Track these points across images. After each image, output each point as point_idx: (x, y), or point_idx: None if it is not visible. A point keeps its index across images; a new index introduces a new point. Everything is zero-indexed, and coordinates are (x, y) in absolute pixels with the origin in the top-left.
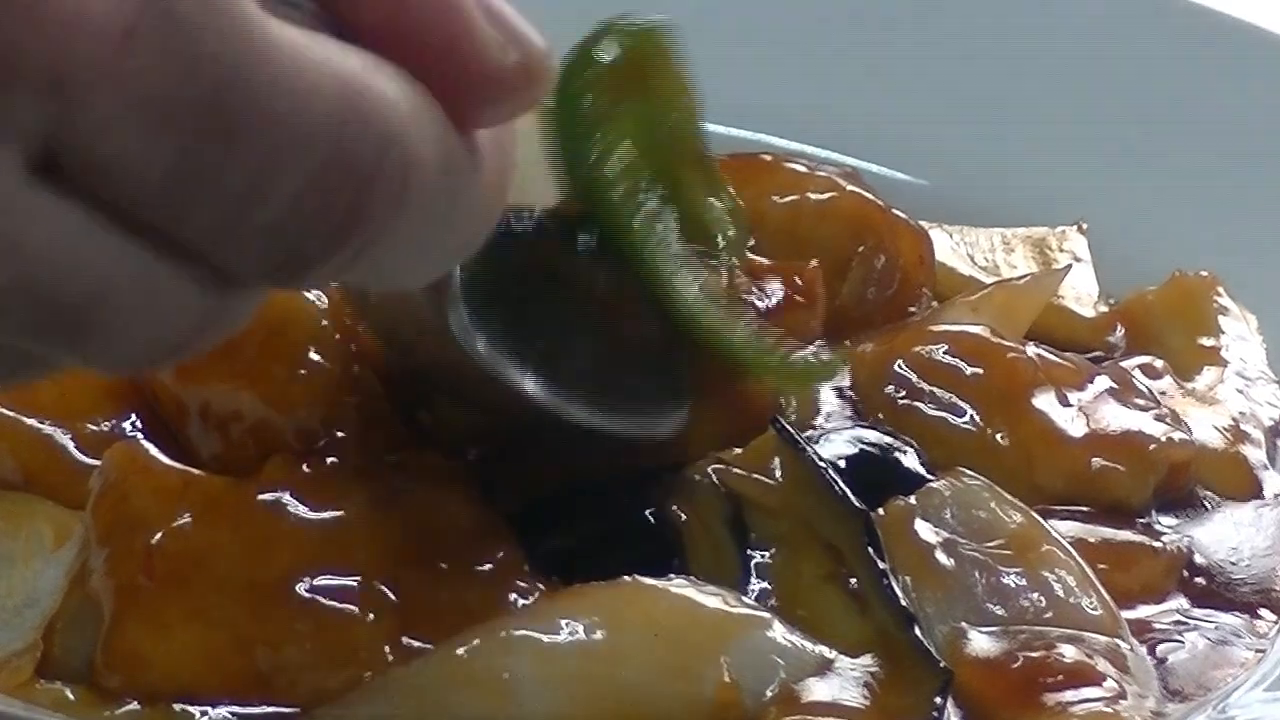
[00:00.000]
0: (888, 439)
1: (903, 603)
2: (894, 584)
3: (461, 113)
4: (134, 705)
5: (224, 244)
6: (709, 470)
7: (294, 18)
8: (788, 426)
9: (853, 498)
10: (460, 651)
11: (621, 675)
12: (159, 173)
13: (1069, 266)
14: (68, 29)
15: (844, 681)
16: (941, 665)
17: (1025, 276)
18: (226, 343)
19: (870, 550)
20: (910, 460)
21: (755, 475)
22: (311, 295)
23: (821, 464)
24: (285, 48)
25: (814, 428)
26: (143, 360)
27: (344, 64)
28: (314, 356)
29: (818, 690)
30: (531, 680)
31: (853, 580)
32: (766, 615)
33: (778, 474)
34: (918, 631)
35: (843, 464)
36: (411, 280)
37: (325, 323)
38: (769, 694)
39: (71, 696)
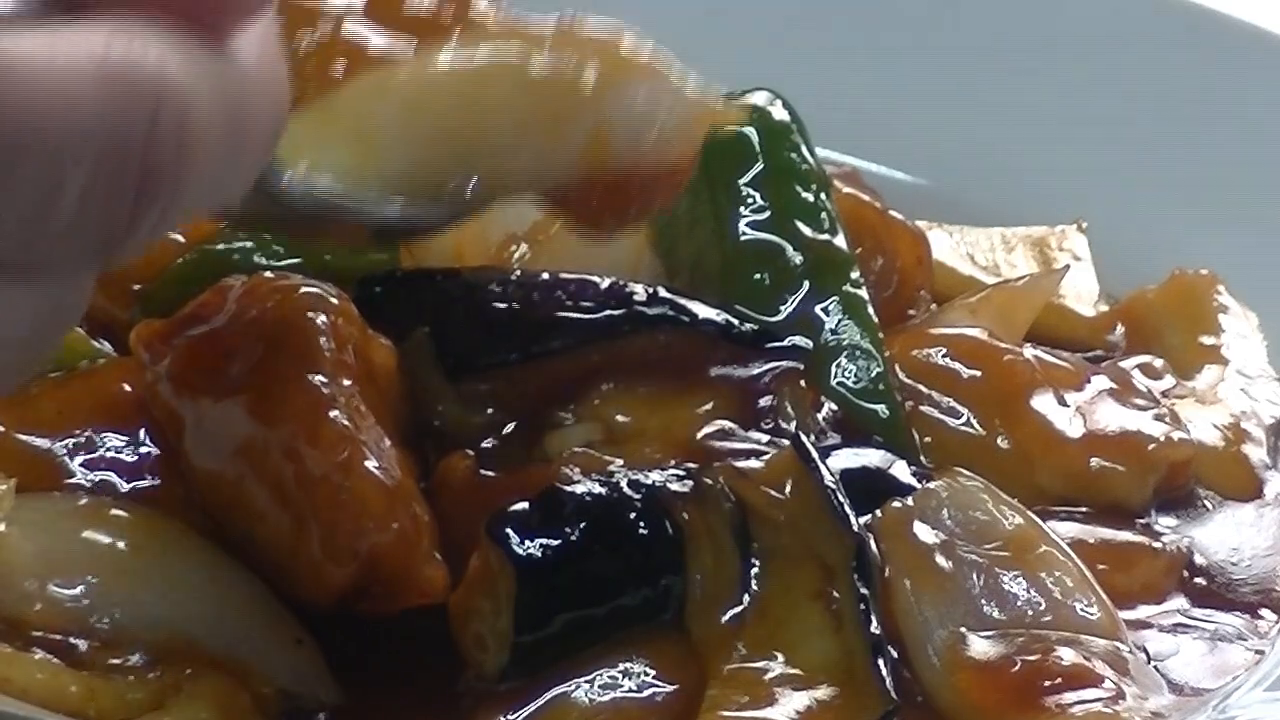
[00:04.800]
0: (882, 452)
1: (874, 630)
2: (872, 611)
3: (210, 28)
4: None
5: (32, 252)
6: (720, 477)
7: (19, 14)
8: (806, 444)
9: (853, 520)
10: None
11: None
12: None
13: (1067, 267)
14: None
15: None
16: (892, 697)
17: (1024, 277)
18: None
19: (856, 576)
20: (901, 470)
21: (766, 487)
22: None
23: (830, 486)
24: (25, 63)
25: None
26: None
27: (90, 46)
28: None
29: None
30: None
31: (835, 599)
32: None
33: (787, 489)
34: (880, 662)
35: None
36: (230, 194)
37: (323, 339)
38: None
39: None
